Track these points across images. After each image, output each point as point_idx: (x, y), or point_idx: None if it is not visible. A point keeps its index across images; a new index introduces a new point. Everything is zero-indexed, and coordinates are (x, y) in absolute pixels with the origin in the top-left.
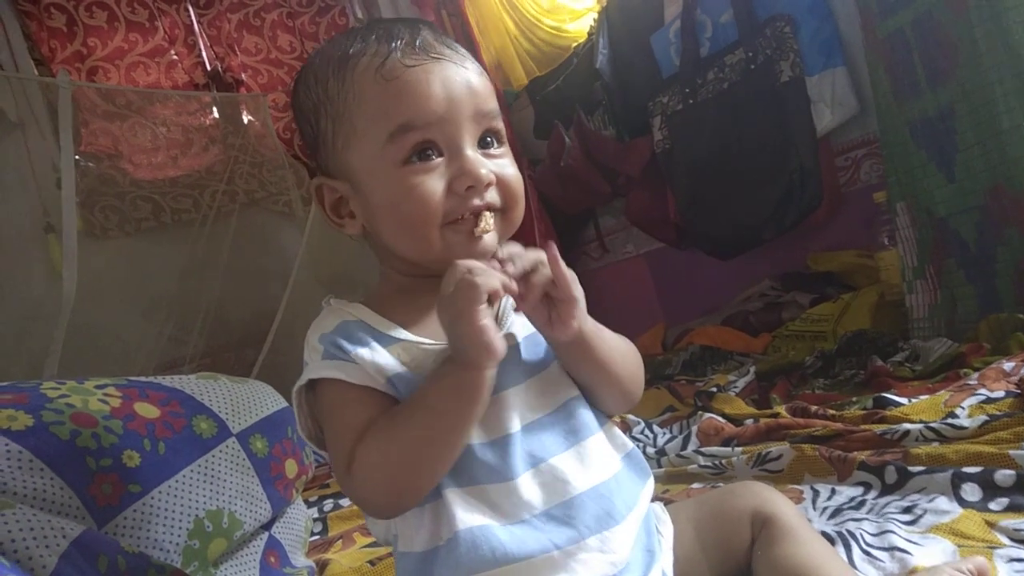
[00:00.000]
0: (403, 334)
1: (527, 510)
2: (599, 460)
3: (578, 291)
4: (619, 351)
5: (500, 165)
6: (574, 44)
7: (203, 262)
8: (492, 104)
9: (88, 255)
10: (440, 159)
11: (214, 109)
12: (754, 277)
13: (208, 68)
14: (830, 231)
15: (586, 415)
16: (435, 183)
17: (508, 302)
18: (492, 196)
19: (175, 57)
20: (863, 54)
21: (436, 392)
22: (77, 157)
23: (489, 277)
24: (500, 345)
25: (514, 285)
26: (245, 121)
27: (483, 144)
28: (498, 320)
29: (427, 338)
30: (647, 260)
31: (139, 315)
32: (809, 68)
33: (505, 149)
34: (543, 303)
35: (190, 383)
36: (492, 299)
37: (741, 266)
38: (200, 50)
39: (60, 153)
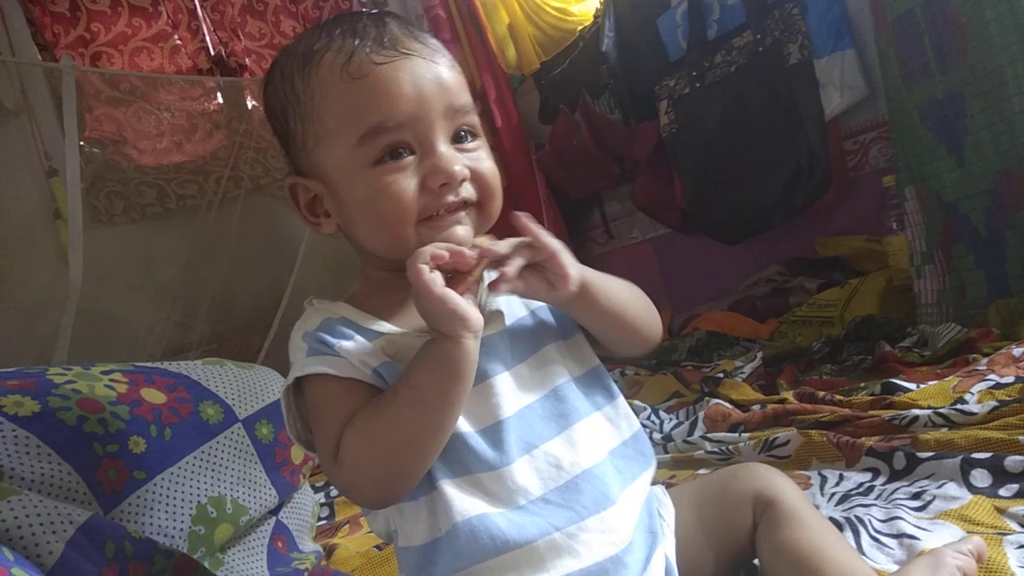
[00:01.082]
0: (386, 327)
1: (524, 496)
2: (592, 442)
3: (556, 242)
4: (628, 293)
5: (475, 159)
6: (580, 27)
7: (209, 248)
8: (465, 98)
9: (94, 241)
10: (412, 157)
11: (218, 94)
12: (761, 262)
13: (212, 53)
14: (838, 216)
15: (577, 399)
16: (407, 181)
17: (485, 285)
18: (467, 191)
19: (179, 42)
20: (872, 36)
21: (417, 370)
22: (82, 143)
23: (433, 247)
24: (469, 312)
25: (468, 252)
26: (249, 106)
27: (457, 139)
28: (481, 307)
29: (409, 330)
30: (653, 245)
31: (145, 301)
32: (817, 50)
33: (480, 143)
34: (535, 275)
35: (196, 369)
36: (441, 267)
37: (748, 251)
38: (204, 35)
39: (64, 139)
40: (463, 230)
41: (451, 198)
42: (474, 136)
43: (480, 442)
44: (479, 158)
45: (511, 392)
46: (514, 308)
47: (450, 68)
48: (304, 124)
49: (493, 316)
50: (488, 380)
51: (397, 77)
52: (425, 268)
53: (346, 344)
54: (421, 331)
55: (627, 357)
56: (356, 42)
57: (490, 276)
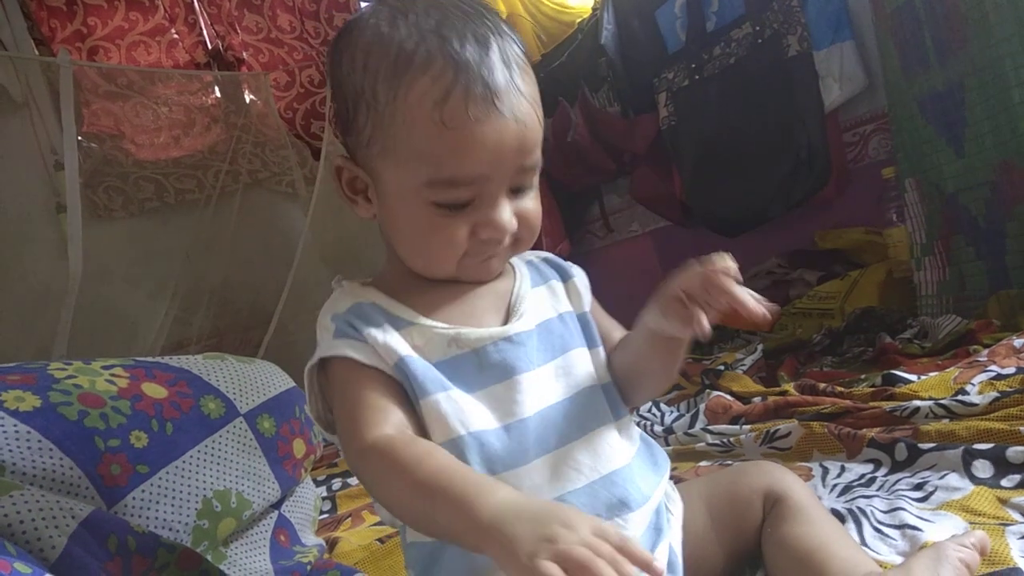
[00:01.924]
0: (416, 318)
1: (540, 496)
2: (613, 448)
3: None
4: None
5: (525, 203)
6: (578, 20)
7: (208, 243)
8: (536, 154)
9: (93, 236)
10: (471, 205)
11: (216, 88)
12: (761, 255)
13: (209, 47)
14: (838, 208)
15: (600, 404)
16: (461, 228)
17: (522, 285)
18: (508, 237)
19: (176, 36)
20: (872, 28)
21: (450, 513)
22: (80, 138)
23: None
24: None
25: None
26: (247, 100)
27: (516, 188)
28: (511, 309)
29: (440, 322)
30: (652, 238)
31: (145, 296)
32: (817, 42)
33: (535, 187)
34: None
35: (197, 363)
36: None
37: (748, 244)
38: (201, 29)
39: (63, 134)
40: (497, 263)
41: (494, 248)
42: (532, 185)
43: (500, 440)
44: (528, 201)
45: (536, 391)
46: (543, 309)
47: (536, 125)
48: (374, 129)
49: (524, 314)
50: (515, 378)
51: (485, 138)
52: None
53: (374, 331)
54: (450, 325)
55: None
56: (458, 76)
57: (525, 281)
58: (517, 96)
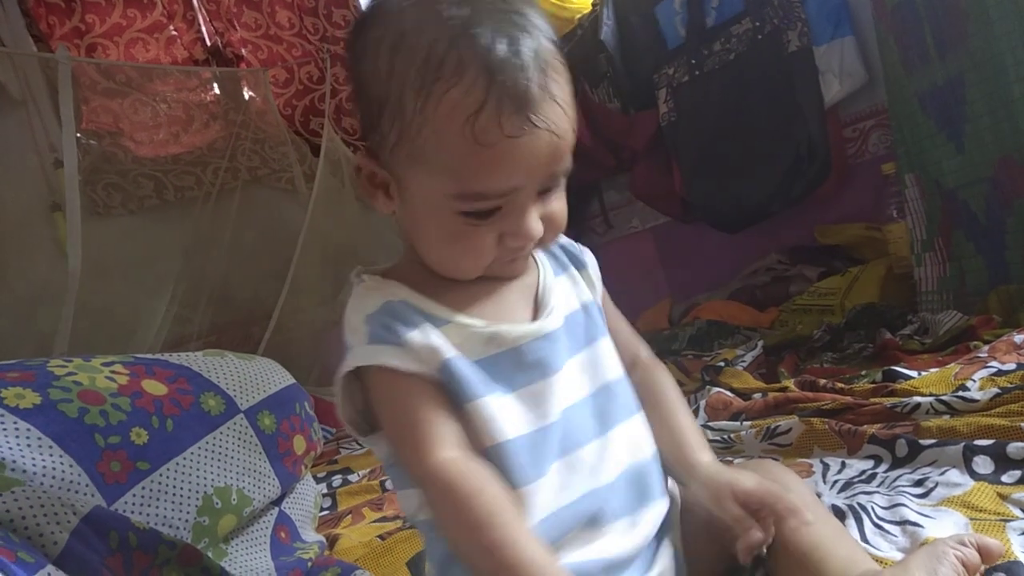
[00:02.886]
0: (451, 315)
1: (567, 496)
2: (639, 440)
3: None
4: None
5: (551, 205)
6: (578, 15)
7: (207, 240)
8: (568, 160)
9: (92, 233)
10: (499, 213)
11: (214, 85)
12: (761, 251)
13: (208, 43)
14: (838, 203)
15: (626, 395)
16: (489, 237)
17: (547, 277)
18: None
19: (174, 33)
20: (872, 23)
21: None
22: (79, 135)
23: None
24: None
25: None
26: (246, 97)
27: (545, 190)
28: (537, 304)
29: (474, 319)
30: (653, 235)
31: (144, 293)
32: (817, 38)
33: (561, 187)
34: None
35: (197, 360)
36: None
37: (748, 240)
38: (199, 25)
39: (61, 131)
40: (522, 264)
41: (520, 253)
42: (561, 185)
43: (530, 444)
44: (555, 202)
45: (565, 389)
46: (569, 301)
47: (569, 131)
48: (401, 136)
49: (553, 308)
50: (549, 378)
51: (518, 153)
52: None
53: (413, 333)
54: (488, 322)
55: None
56: (491, 89)
57: (548, 272)
58: (551, 105)
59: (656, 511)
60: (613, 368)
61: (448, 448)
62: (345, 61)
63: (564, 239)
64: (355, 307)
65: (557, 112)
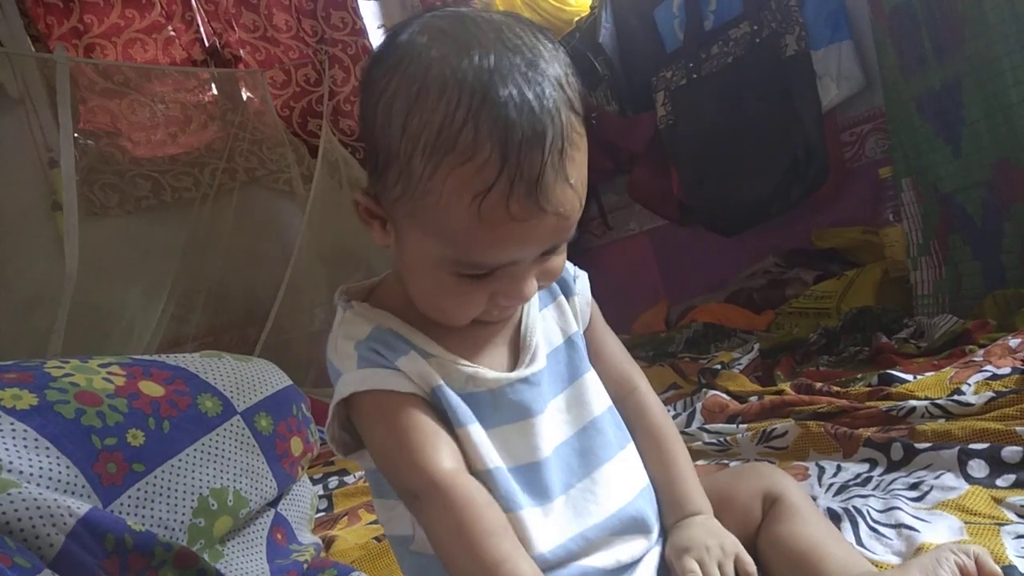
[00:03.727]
0: (436, 349)
1: (560, 533)
2: (628, 477)
3: None
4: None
5: (551, 261)
6: (576, 18)
7: (204, 241)
8: (573, 231)
9: (89, 234)
10: (494, 275)
11: (212, 86)
12: (758, 254)
13: (206, 44)
14: (835, 207)
15: (612, 431)
16: (481, 296)
17: (531, 312)
18: None
19: (172, 33)
20: (869, 27)
21: None
22: (76, 135)
23: None
24: None
25: None
26: (244, 98)
27: (545, 253)
28: (522, 342)
29: (459, 356)
30: (650, 237)
31: (141, 294)
32: (815, 42)
33: (563, 247)
34: None
35: (194, 361)
36: None
37: (745, 243)
38: (198, 26)
39: (59, 130)
40: (511, 313)
41: (509, 312)
42: (562, 246)
43: (520, 480)
44: (556, 258)
45: (548, 429)
46: (552, 336)
47: (577, 211)
48: (404, 192)
49: (536, 350)
50: (531, 420)
51: (521, 234)
52: None
53: (404, 360)
54: (469, 363)
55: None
56: (500, 168)
57: (534, 305)
58: (563, 188)
59: (638, 544)
60: (600, 402)
61: (450, 460)
62: (359, 92)
63: None
64: (344, 334)
65: (568, 195)
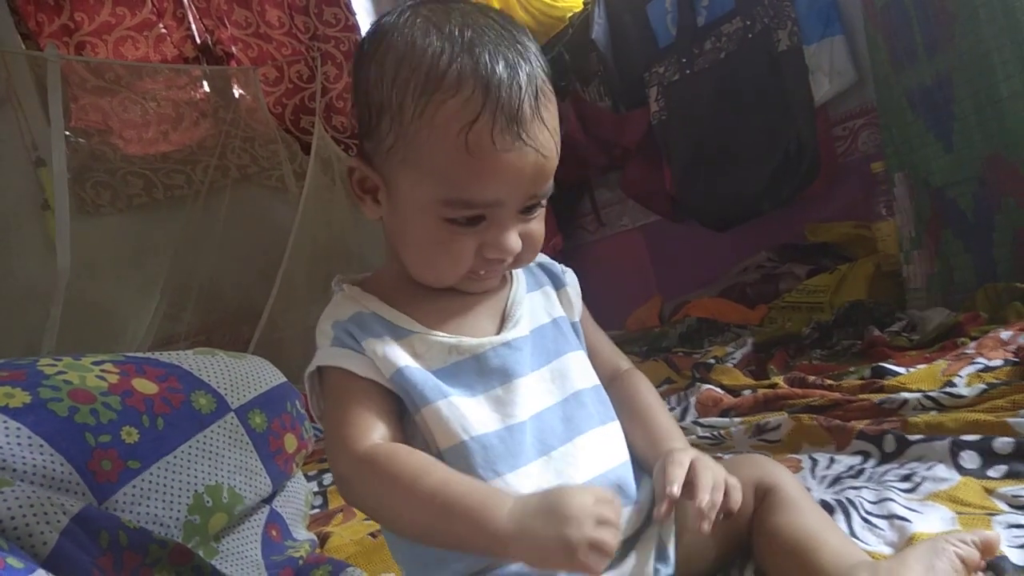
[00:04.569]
0: (416, 327)
1: None
2: (608, 447)
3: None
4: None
5: (531, 225)
6: (569, 14)
7: (197, 238)
8: (549, 182)
9: (81, 232)
10: (482, 223)
11: (204, 83)
12: (751, 249)
13: (198, 41)
14: (827, 202)
15: (595, 405)
16: (469, 244)
17: (518, 291)
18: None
19: (164, 30)
20: (861, 22)
21: (465, 522)
22: (68, 133)
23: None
24: None
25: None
26: (236, 95)
27: (526, 209)
28: (506, 315)
29: (439, 332)
30: (643, 233)
31: (134, 292)
32: (807, 37)
33: (542, 210)
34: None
35: (188, 359)
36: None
37: (738, 238)
38: (189, 23)
39: (51, 128)
40: (494, 280)
41: (498, 267)
42: (541, 205)
43: (503, 440)
44: (534, 222)
45: (531, 395)
46: (537, 315)
47: (555, 156)
48: (397, 139)
49: (520, 319)
50: (513, 382)
51: (506, 167)
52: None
53: (373, 342)
54: (450, 335)
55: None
56: (486, 102)
57: (521, 286)
58: (541, 128)
59: (637, 510)
60: (585, 379)
61: (377, 439)
62: (352, 72)
63: (545, 258)
64: (328, 314)
65: (545, 135)
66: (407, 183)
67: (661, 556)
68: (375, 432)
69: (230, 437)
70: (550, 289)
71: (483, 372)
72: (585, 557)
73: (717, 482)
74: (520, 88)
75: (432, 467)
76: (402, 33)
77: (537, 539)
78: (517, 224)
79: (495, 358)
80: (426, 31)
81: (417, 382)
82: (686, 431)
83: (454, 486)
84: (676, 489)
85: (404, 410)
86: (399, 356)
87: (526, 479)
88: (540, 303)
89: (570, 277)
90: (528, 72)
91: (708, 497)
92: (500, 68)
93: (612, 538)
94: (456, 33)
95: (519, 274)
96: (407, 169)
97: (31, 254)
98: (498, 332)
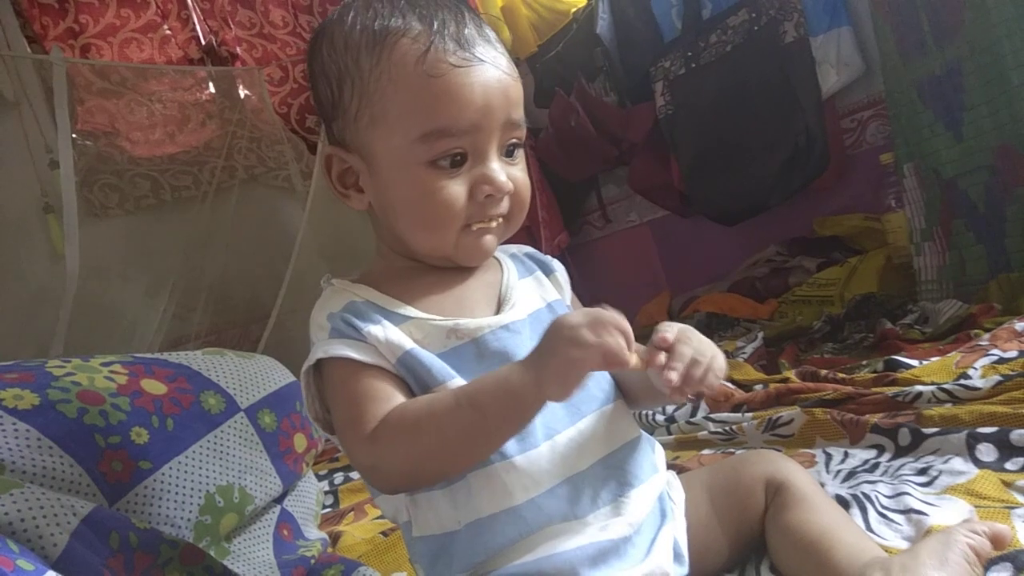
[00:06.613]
0: (412, 312)
1: (547, 481)
2: (613, 429)
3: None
4: None
5: (514, 170)
6: (574, 9)
7: (205, 239)
8: (521, 111)
9: (89, 234)
10: (466, 164)
11: (210, 84)
12: (760, 243)
13: (202, 42)
14: (836, 194)
15: (596, 388)
16: (458, 188)
17: (510, 277)
18: (504, 205)
19: (168, 32)
20: (868, 13)
21: (488, 398)
22: (74, 135)
23: (621, 350)
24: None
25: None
26: (242, 96)
27: (506, 152)
28: (502, 299)
29: (435, 315)
30: (651, 228)
31: (142, 293)
32: (814, 28)
33: (522, 156)
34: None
35: (197, 359)
36: (610, 364)
37: (746, 232)
38: (194, 24)
39: (57, 132)
40: (491, 240)
41: (493, 211)
42: (519, 149)
43: None
44: (519, 172)
45: None
46: (532, 299)
47: (515, 80)
48: (362, 101)
49: (516, 303)
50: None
51: (470, 84)
52: (617, 340)
53: (373, 329)
54: (447, 318)
55: None
56: (434, 34)
57: (512, 273)
58: (492, 47)
59: (643, 493)
60: None
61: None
62: (307, 67)
63: (531, 248)
64: (320, 307)
65: (499, 54)
66: (382, 143)
67: (677, 558)
68: (390, 406)
69: (240, 437)
70: (541, 275)
71: (483, 356)
72: (599, 337)
73: (697, 356)
74: (462, 16)
75: (436, 395)
76: (345, 15)
77: (558, 359)
78: (500, 163)
79: (495, 341)
80: (367, 5)
81: (426, 363)
82: (697, 426)
83: (467, 388)
84: (662, 358)
85: (411, 395)
86: (403, 339)
87: (535, 461)
88: (533, 288)
89: (556, 264)
90: (467, 12)
91: (677, 374)
92: (440, 12)
93: (610, 317)
94: (396, 2)
95: (508, 263)
96: (378, 128)
97: (41, 257)
98: (495, 315)
